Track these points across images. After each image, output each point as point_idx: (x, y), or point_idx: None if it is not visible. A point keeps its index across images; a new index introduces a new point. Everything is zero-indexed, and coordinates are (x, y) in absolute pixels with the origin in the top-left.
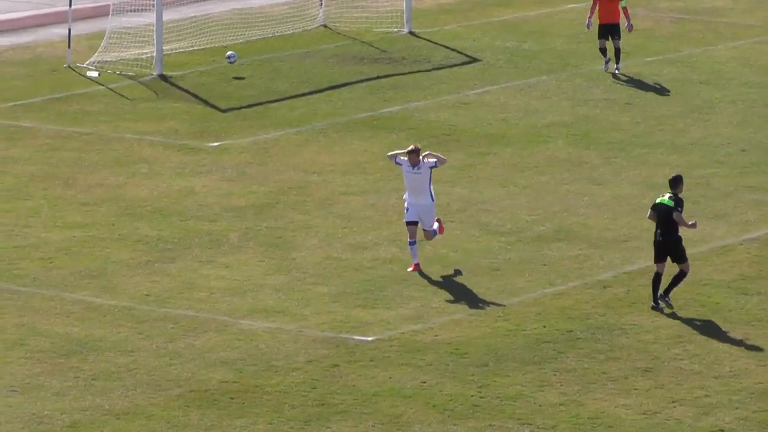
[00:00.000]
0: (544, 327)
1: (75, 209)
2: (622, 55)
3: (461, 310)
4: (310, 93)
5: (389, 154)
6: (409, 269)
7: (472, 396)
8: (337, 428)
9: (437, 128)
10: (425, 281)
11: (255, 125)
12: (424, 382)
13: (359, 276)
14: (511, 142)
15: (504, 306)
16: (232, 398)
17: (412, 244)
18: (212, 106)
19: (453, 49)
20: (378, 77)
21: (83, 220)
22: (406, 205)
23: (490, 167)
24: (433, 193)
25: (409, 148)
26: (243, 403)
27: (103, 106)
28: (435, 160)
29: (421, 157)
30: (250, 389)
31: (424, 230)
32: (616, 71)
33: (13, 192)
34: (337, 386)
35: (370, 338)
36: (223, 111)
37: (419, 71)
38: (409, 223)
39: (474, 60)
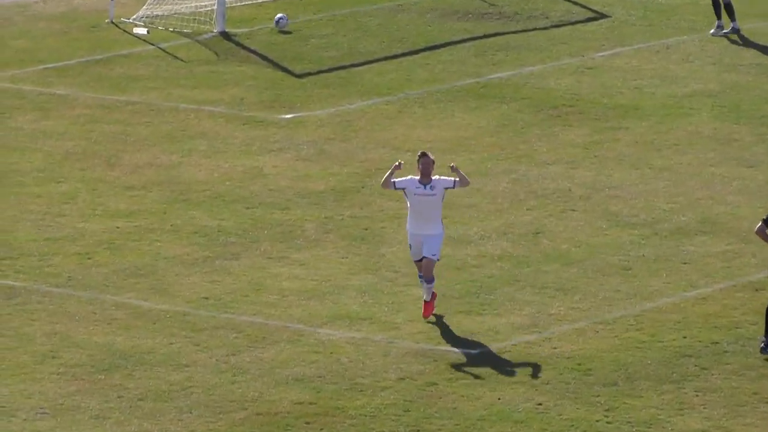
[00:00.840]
0: (685, 338)
1: (118, 194)
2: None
3: (585, 318)
4: (403, 55)
5: (382, 181)
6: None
7: (597, 421)
8: None
9: (557, 98)
10: (541, 283)
11: (336, 93)
12: (540, 404)
13: (462, 276)
14: (646, 114)
15: (636, 313)
16: (307, 423)
17: (421, 278)
18: (285, 70)
19: (576, 3)
20: (485, 36)
21: (128, 207)
22: (408, 236)
23: (620, 145)
24: (442, 223)
25: (396, 163)
26: (321, 430)
27: (153, 69)
28: (455, 179)
29: (433, 174)
30: (330, 412)
31: (423, 257)
32: (734, 29)
33: (44, 173)
34: (434, 409)
35: (475, 351)
36: (298, 76)
37: (535, 29)
38: (418, 261)
39: (601, 16)
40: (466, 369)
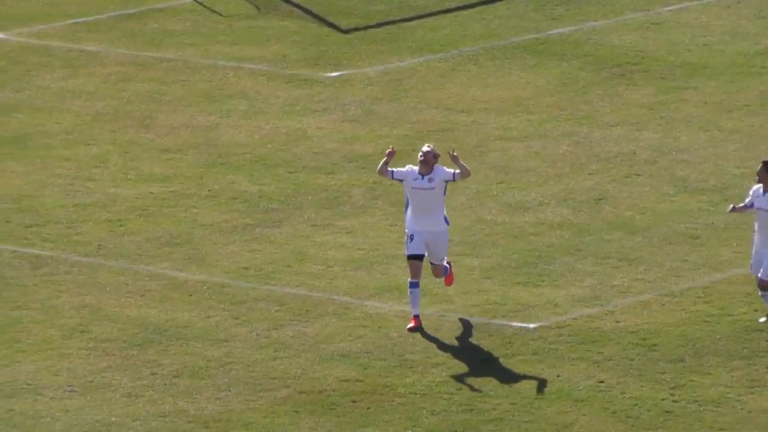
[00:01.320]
0: (756, 311)
1: (152, 157)
2: None
3: (650, 289)
4: (458, 8)
5: (378, 168)
6: (409, 325)
7: (663, 400)
8: None
9: (621, 56)
10: (604, 252)
11: (386, 50)
12: (602, 382)
13: (519, 245)
14: (715, 73)
15: (705, 284)
16: (353, 401)
17: (413, 286)
18: (330, 25)
19: None
20: None
21: (163, 171)
22: (408, 231)
23: (688, 106)
24: (446, 216)
25: (390, 150)
26: (368, 409)
27: (190, 24)
28: (455, 170)
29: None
30: (378, 390)
31: (431, 264)
32: None
33: (73, 135)
34: (489, 387)
35: (532, 325)
36: (345, 31)
37: None
38: (411, 257)
39: None
40: (523, 344)
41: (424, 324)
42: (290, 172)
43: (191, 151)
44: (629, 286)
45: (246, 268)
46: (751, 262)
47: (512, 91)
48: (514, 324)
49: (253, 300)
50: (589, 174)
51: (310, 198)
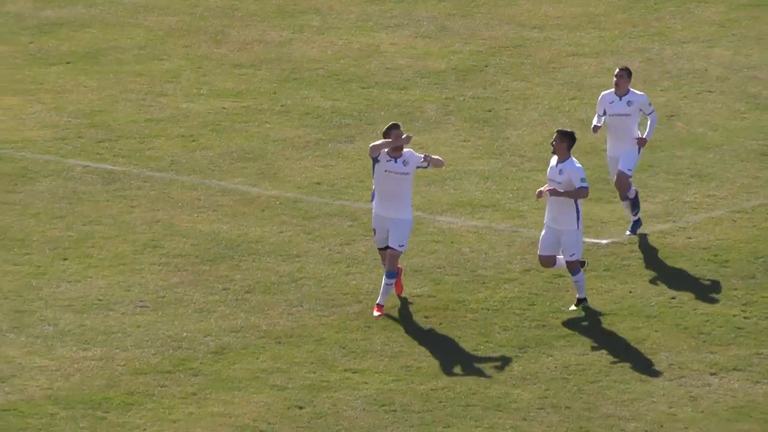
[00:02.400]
0: None
1: (225, 73)
2: None
3: (722, 206)
4: None
5: (375, 145)
6: (375, 313)
7: (734, 316)
8: (561, 356)
9: None
10: (676, 168)
11: None
12: (674, 298)
13: (593, 160)
14: None
15: None
16: (426, 317)
17: (389, 276)
18: None
19: None
20: None
21: (236, 86)
22: (373, 223)
23: (760, 23)
24: (411, 207)
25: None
26: (440, 324)
27: None
28: (427, 162)
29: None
30: (450, 305)
31: (387, 246)
32: None
33: (146, 50)
34: (561, 302)
35: (604, 241)
36: None
37: None
38: (380, 250)
39: None
40: (596, 260)
41: (497, 239)
42: (363, 88)
43: (264, 66)
44: (701, 203)
45: (318, 183)
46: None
47: (584, 7)
48: (587, 240)
49: (326, 215)
50: (661, 90)
51: (382, 113)
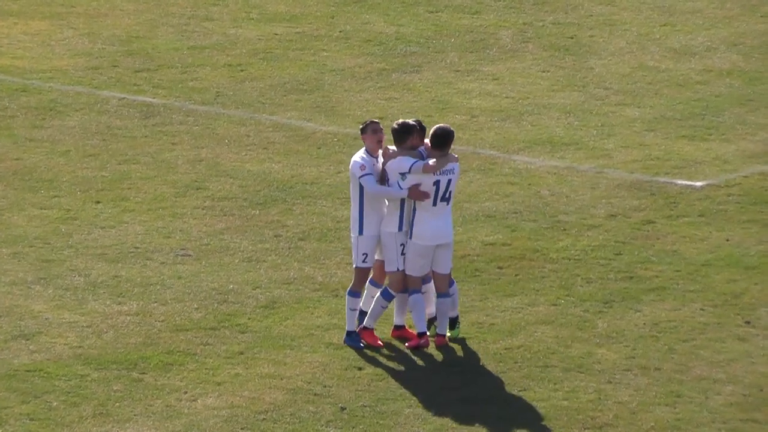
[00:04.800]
0: None
1: None
2: None
3: None
4: None
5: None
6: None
7: None
8: (650, 311)
9: None
10: None
11: None
12: None
13: (684, 94)
14: None
15: None
16: (500, 267)
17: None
18: None
19: None
20: None
21: (289, 10)
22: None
23: None
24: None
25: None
26: (516, 276)
27: None
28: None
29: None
30: (527, 255)
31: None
32: None
33: None
34: (650, 252)
35: (699, 183)
36: None
37: None
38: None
39: None
40: (689, 204)
41: (579, 181)
42: (431, 12)
43: None
44: None
45: (381, 118)
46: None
47: None
48: (679, 182)
49: None
50: (761, 17)
51: (452, 40)
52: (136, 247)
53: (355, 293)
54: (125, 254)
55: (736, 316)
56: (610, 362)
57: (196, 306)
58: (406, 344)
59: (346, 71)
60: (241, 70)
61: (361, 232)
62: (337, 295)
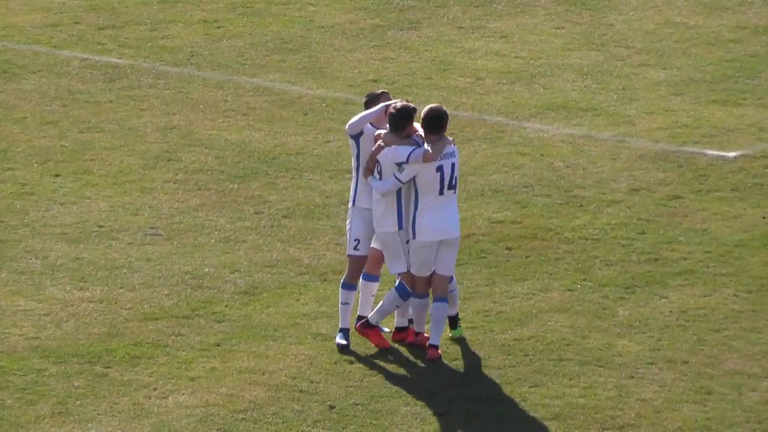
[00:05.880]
0: None
1: None
2: None
3: None
4: None
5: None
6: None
7: None
8: (677, 297)
9: None
10: None
11: None
12: None
13: (716, 54)
14: None
15: None
16: (509, 248)
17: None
18: None
19: None
20: None
21: None
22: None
23: None
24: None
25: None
26: (527, 257)
27: None
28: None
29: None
30: (540, 234)
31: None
32: None
33: None
34: (678, 231)
35: (732, 154)
36: None
37: None
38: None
39: None
40: (721, 177)
41: (598, 151)
42: None
43: None
44: None
45: (375, 81)
46: None
47: None
48: (710, 152)
49: None
50: None
51: None
52: (100, 226)
53: (349, 285)
54: (87, 234)
55: None
56: (632, 355)
57: (166, 292)
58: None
59: (336, 28)
60: (218, 27)
61: (353, 202)
62: (325, 280)
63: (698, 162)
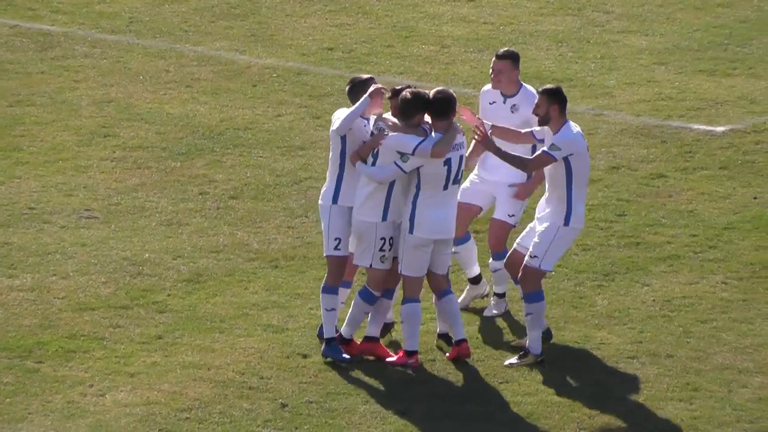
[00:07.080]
0: None
1: None
2: None
3: None
4: None
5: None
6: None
7: None
8: (660, 285)
9: None
10: None
11: None
12: None
13: (704, 19)
14: None
15: None
16: (476, 233)
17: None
18: None
19: None
20: None
21: None
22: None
23: None
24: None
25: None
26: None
27: None
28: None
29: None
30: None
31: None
32: None
33: None
34: (661, 213)
35: (720, 129)
36: None
37: None
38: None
39: None
40: (708, 154)
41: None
42: None
43: None
44: None
45: (330, 49)
46: None
47: None
48: (696, 127)
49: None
50: None
51: None
52: (31, 208)
53: (331, 289)
54: (17, 216)
55: (765, 292)
56: (611, 348)
57: (103, 280)
58: (387, 359)
59: None
60: None
61: (335, 200)
62: (276, 266)
63: (683, 137)
